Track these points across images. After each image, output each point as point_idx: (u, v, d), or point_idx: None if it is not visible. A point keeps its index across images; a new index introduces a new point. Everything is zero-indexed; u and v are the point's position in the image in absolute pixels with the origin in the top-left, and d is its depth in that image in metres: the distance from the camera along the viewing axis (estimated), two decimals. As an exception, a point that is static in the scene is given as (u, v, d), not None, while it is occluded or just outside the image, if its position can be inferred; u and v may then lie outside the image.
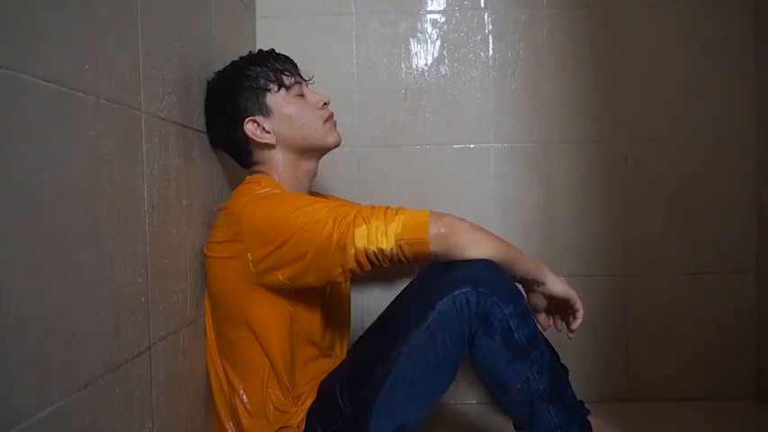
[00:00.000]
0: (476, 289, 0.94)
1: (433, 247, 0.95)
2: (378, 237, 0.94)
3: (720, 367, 1.55)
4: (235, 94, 1.12)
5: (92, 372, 0.73)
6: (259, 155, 1.14)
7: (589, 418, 1.06)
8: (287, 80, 1.14)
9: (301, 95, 1.16)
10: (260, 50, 1.19)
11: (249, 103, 1.12)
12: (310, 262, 0.96)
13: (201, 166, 1.13)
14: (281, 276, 0.99)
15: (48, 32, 0.66)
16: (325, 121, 1.16)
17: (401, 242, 0.95)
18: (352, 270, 0.97)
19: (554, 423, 0.98)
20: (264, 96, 1.12)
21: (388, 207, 0.99)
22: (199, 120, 1.13)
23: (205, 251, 1.08)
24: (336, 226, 0.95)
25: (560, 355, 1.18)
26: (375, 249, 0.94)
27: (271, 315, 1.05)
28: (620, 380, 1.55)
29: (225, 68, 1.17)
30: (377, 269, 1.00)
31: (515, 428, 1.04)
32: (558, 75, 1.55)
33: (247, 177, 1.15)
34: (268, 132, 1.12)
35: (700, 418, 1.43)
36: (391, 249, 0.95)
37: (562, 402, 0.99)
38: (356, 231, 0.94)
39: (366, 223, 0.95)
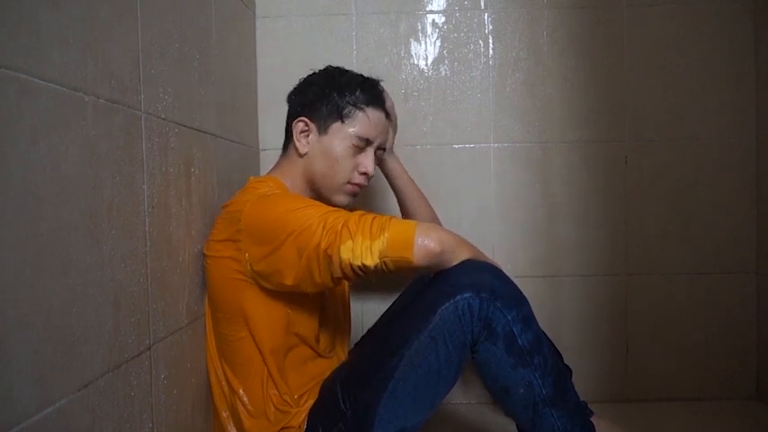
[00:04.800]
0: (478, 294, 0.93)
1: (418, 263, 0.94)
2: (362, 252, 0.93)
3: (720, 367, 1.55)
4: (324, 92, 1.13)
5: (92, 372, 0.73)
6: (291, 147, 1.16)
7: (593, 419, 1.06)
8: (365, 137, 1.13)
9: (358, 149, 1.13)
10: (381, 91, 1.18)
11: (321, 109, 1.13)
12: (303, 269, 0.96)
13: (201, 166, 1.13)
14: (276, 281, 0.99)
15: (48, 32, 0.66)
16: (348, 184, 1.14)
17: (386, 259, 0.94)
18: (339, 278, 0.97)
19: (557, 426, 0.97)
20: (335, 120, 1.12)
21: (375, 217, 0.96)
22: (199, 120, 1.13)
23: (204, 250, 1.08)
24: (325, 234, 0.94)
25: (560, 356, 1.18)
26: (360, 264, 0.93)
27: (268, 315, 1.04)
28: (620, 380, 1.55)
29: (346, 72, 1.18)
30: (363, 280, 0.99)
31: None
32: (558, 75, 1.55)
33: (251, 179, 1.14)
34: (307, 144, 1.13)
35: (700, 418, 1.43)
36: (375, 265, 0.94)
37: (565, 406, 0.99)
38: (342, 246, 0.93)
39: (351, 238, 0.93)
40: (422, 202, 1.35)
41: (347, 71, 1.18)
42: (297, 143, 1.13)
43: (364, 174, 1.14)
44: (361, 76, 1.18)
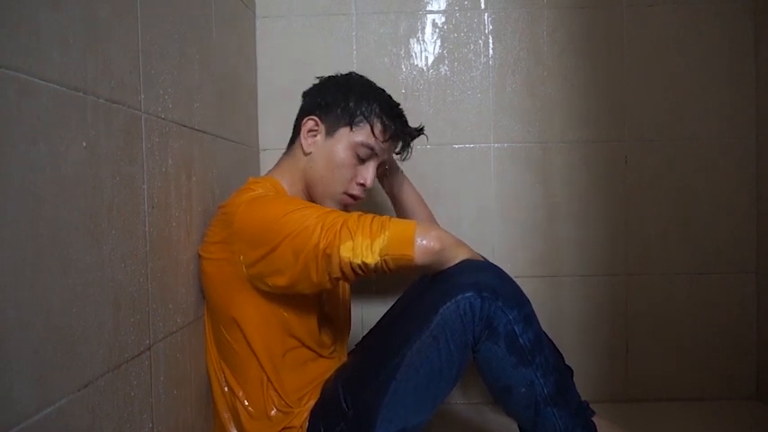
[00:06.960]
0: (480, 294, 0.93)
1: (419, 261, 0.95)
2: (363, 251, 0.93)
3: (720, 367, 1.55)
4: (342, 96, 1.12)
5: (92, 372, 0.73)
6: (296, 144, 1.15)
7: (594, 419, 1.06)
8: (369, 147, 1.12)
9: (361, 159, 1.12)
10: (398, 110, 1.16)
11: (335, 111, 1.12)
12: (300, 270, 0.96)
13: (201, 166, 1.13)
14: (271, 282, 0.99)
15: (48, 32, 0.66)
16: (345, 194, 1.13)
17: (386, 257, 0.94)
18: (338, 278, 0.97)
19: (559, 426, 0.97)
20: (344, 126, 1.11)
21: (375, 217, 0.97)
22: (199, 120, 1.13)
23: (200, 251, 1.07)
24: (323, 234, 0.94)
25: (560, 355, 1.18)
26: (360, 263, 0.94)
27: (262, 318, 1.04)
28: (621, 380, 1.56)
29: (370, 84, 1.17)
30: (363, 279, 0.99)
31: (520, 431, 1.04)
32: (558, 75, 1.55)
33: (249, 179, 1.13)
34: (313, 143, 1.13)
35: (700, 418, 1.43)
36: (376, 264, 0.94)
37: (567, 405, 0.99)
38: (342, 246, 0.93)
39: (352, 238, 0.94)
40: (425, 211, 1.38)
41: (371, 83, 1.18)
42: (303, 140, 1.13)
43: (362, 185, 1.13)
44: (384, 92, 1.16)
